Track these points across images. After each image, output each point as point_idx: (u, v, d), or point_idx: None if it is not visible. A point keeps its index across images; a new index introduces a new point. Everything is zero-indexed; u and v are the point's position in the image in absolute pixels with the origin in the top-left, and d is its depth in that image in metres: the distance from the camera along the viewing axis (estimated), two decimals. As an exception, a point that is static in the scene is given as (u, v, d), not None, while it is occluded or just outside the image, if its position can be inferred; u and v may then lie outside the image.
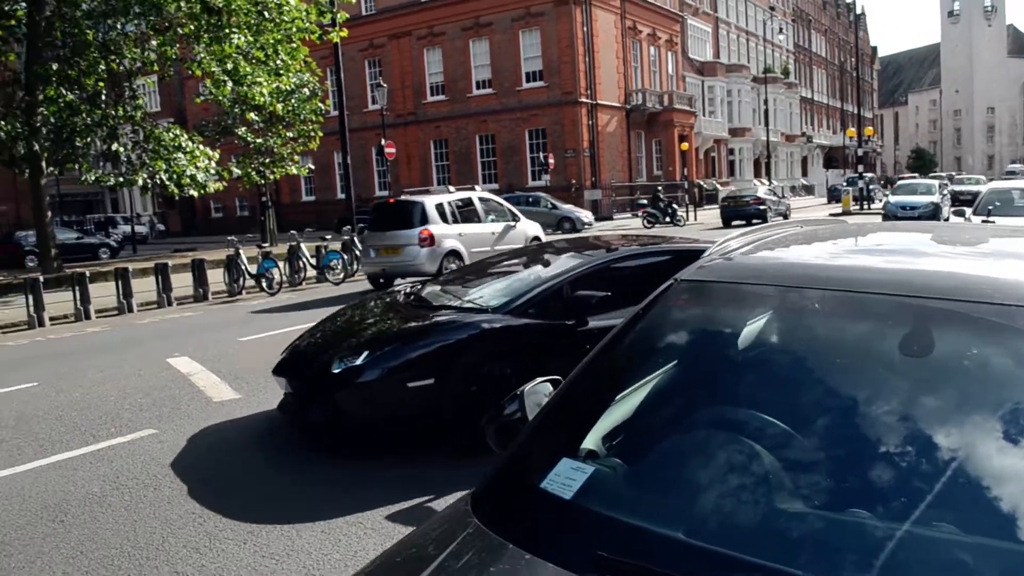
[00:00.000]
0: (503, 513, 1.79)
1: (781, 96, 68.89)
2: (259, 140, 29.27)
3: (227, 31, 20.34)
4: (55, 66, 20.28)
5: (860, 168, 41.99)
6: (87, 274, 15.24)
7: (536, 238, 17.58)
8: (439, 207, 15.58)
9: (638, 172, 47.47)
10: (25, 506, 5.08)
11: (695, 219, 36.42)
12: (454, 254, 15.27)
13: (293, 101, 27.18)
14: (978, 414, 1.65)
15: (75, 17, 20.28)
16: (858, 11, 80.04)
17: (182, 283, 16.78)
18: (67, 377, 9.10)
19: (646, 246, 7.00)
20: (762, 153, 60.82)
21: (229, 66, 21.01)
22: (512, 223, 17.16)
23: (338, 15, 22.52)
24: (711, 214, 40.53)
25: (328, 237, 20.84)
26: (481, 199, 17.12)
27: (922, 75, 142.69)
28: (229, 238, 18.34)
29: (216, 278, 17.44)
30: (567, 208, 34.17)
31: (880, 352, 1.88)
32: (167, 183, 21.54)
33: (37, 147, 20.18)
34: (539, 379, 2.30)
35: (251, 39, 20.99)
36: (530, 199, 33.49)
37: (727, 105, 60.26)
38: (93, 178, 22.17)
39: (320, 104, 29.02)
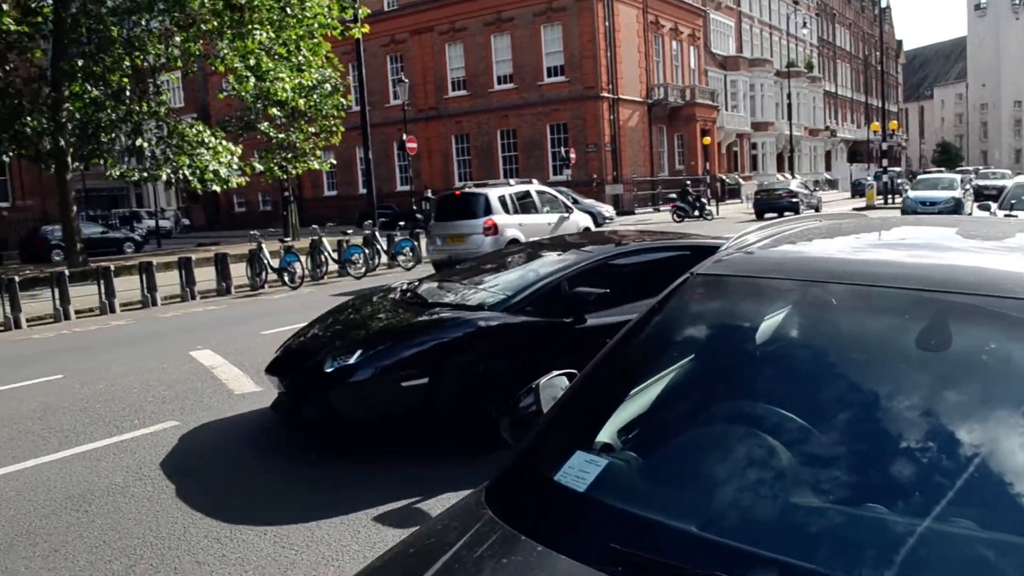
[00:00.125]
0: (516, 505, 1.79)
1: (804, 90, 68.34)
2: (281, 135, 29.42)
3: (250, 27, 20.47)
4: (80, 62, 20.49)
5: (885, 162, 41.54)
6: (112, 268, 15.40)
7: (587, 228, 18.38)
8: (501, 199, 16.54)
9: (660, 167, 47.29)
10: (50, 496, 5.15)
11: (717, 213, 36.22)
12: (515, 243, 15.68)
13: (315, 96, 27.31)
14: (1000, 409, 1.64)
15: (100, 14, 20.47)
16: (883, 4, 79.01)
17: (205, 277, 16.91)
18: (91, 369, 9.21)
19: (646, 242, 6.90)
20: (785, 147, 60.40)
21: (252, 62, 21.15)
22: (566, 214, 18.04)
23: (360, 11, 22.59)
24: (733, 208, 40.36)
25: (349, 232, 20.95)
26: (538, 191, 18.15)
27: (948, 69, 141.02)
28: (252, 233, 18.47)
29: (239, 272, 17.57)
30: (588, 203, 33.99)
31: (900, 347, 1.86)
32: (190, 178, 21.71)
33: (63, 142, 20.41)
34: (555, 372, 2.30)
35: (273, 35, 21.11)
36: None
37: (750, 99, 59.84)
38: (118, 173, 22.38)
39: (342, 99, 29.12)
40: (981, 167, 71.33)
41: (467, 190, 17.62)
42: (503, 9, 43.35)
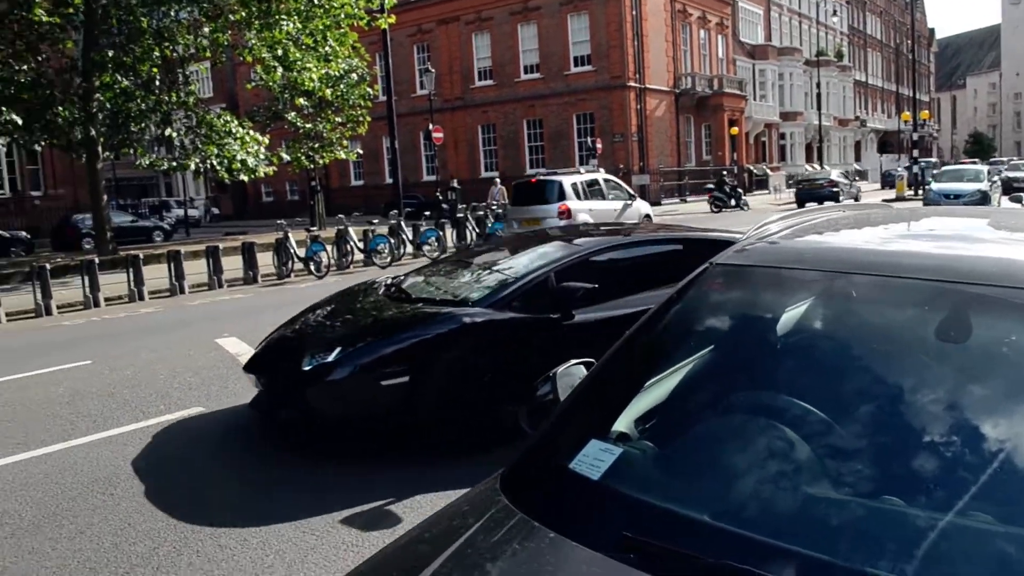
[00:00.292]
0: (531, 492, 1.80)
1: (834, 79, 67.52)
2: (308, 125, 29.55)
3: (277, 17, 20.57)
4: (111, 53, 20.70)
5: (915, 153, 41.03)
6: (141, 256, 15.58)
7: (647, 216, 20.00)
8: (573, 185, 17.98)
9: (687, 157, 46.99)
10: (77, 479, 5.24)
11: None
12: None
13: (342, 86, 27.42)
14: (1021, 402, 1.62)
15: (130, 4, 20.65)
16: (916, -8, 77.81)
17: (232, 266, 17.06)
18: (120, 356, 9.33)
19: (636, 235, 6.76)
20: (814, 138, 59.76)
21: (279, 52, 21.25)
22: (629, 201, 19.48)
23: (386, 1, 22.61)
24: (761, 199, 39.97)
25: (375, 221, 21.03)
26: (605, 179, 19.74)
27: (981, 57, 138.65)
28: (278, 222, 18.61)
29: (266, 261, 17.71)
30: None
31: (921, 339, 1.84)
32: (218, 168, 21.89)
33: (94, 132, 20.65)
34: (573, 361, 2.30)
35: (300, 25, 21.20)
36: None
37: (778, 89, 59.21)
38: (147, 162, 22.61)
39: (368, 89, 29.19)
40: (1015, 158, 70.13)
41: (541, 177, 18.96)
42: (530, -1, 43.26)
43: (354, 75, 28.02)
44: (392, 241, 18.95)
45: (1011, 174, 37.21)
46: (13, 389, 7.99)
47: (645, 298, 5.60)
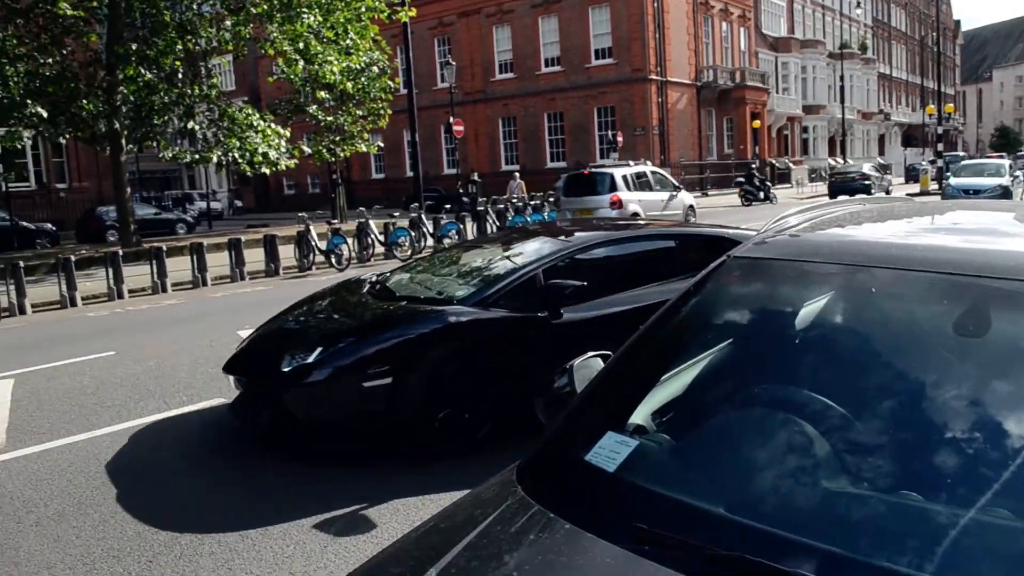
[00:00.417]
0: (547, 484, 1.81)
1: (858, 72, 66.84)
2: (330, 118, 29.63)
3: (298, 11, 20.62)
4: (134, 46, 20.85)
5: (940, 147, 40.55)
6: (164, 248, 15.72)
7: (691, 206, 21.43)
8: (624, 177, 19.27)
9: (708, 151, 46.73)
10: (102, 468, 5.31)
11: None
12: (635, 216, 18.36)
13: (363, 79, 27.45)
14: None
15: (153, -2, 20.81)
16: (942, -17, 76.86)
17: (254, 258, 17.18)
18: (143, 347, 9.43)
19: (627, 231, 6.62)
20: (837, 131, 59.22)
21: (301, 45, 21.31)
22: (675, 193, 20.80)
23: (406, -6, 22.64)
24: (784, 193, 39.71)
25: (396, 214, 21.09)
26: (652, 171, 20.95)
27: (1008, 50, 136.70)
28: (300, 215, 18.70)
29: (287, 254, 17.80)
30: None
31: (939, 333, 1.83)
32: (240, 161, 22.02)
33: (118, 125, 20.83)
34: (590, 353, 2.30)
35: (322, 18, 21.24)
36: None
37: (801, 82, 58.68)
38: (170, 155, 22.78)
39: (389, 82, 29.22)
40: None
41: (593, 170, 20.34)
42: (551, -9, 43.14)
43: (375, 68, 28.04)
44: (412, 234, 18.99)
45: None
46: (40, 379, 8.10)
47: (637, 296, 5.56)
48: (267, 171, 22.98)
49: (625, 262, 6.16)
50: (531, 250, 5.92)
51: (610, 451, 1.75)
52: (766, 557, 1.38)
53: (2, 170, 25.23)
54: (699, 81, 45.30)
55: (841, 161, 48.85)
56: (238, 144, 21.74)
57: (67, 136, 22.80)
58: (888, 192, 34.76)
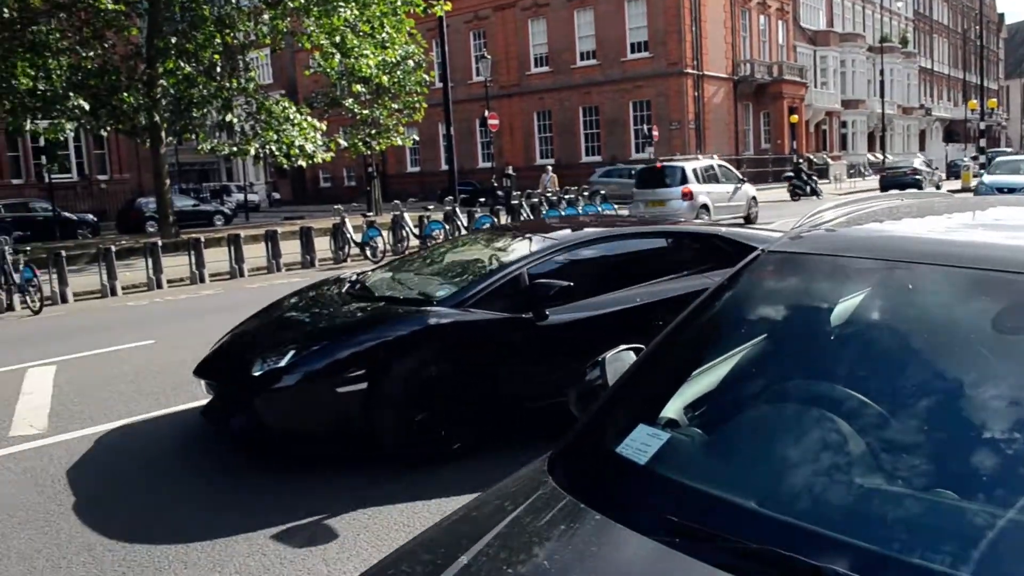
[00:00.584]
0: (577, 475, 1.81)
1: (898, 66, 65.73)
2: (366, 112, 29.75)
3: (335, 4, 20.76)
4: (174, 40, 21.15)
5: (982, 142, 39.83)
6: (202, 240, 15.94)
7: (754, 198, 22.64)
8: (694, 170, 20.35)
9: (745, 145, 46.28)
10: (140, 452, 5.42)
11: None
12: (704, 207, 19.88)
13: (399, 73, 27.54)
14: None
15: (192, -8, 21.08)
16: (987, -25, 75.32)
17: (290, 250, 17.35)
18: (181, 336, 9.57)
19: (616, 228, 6.38)
20: (877, 126, 58.33)
21: (337, 39, 21.46)
22: (739, 185, 21.92)
23: (442, -13, 22.67)
24: (823, 188, 39.17)
25: (431, 207, 21.17)
26: (719, 165, 22.13)
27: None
28: (335, 207, 18.86)
29: (323, 246, 17.97)
30: (670, 182, 33.68)
31: (978, 330, 1.80)
32: (276, 153, 22.24)
33: (157, 118, 21.13)
34: (622, 346, 2.29)
35: (358, 12, 21.37)
36: (632, 172, 33.01)
37: (840, 76, 57.85)
38: (209, 147, 23.08)
39: (425, 76, 29.27)
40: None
41: (665, 163, 21.43)
42: (586, -16, 42.94)
43: (411, 62, 28.11)
44: (447, 227, 19.05)
45: None
46: (81, 366, 8.26)
47: (625, 296, 5.39)
48: (303, 164, 23.18)
49: (614, 262, 5.96)
50: (516, 249, 5.74)
51: (641, 443, 1.75)
52: (798, 552, 1.37)
53: (45, 161, 25.75)
54: (736, 75, 44.86)
55: (881, 157, 48.15)
56: (275, 137, 21.96)
57: (108, 128, 23.17)
58: (938, 187, 35.26)
